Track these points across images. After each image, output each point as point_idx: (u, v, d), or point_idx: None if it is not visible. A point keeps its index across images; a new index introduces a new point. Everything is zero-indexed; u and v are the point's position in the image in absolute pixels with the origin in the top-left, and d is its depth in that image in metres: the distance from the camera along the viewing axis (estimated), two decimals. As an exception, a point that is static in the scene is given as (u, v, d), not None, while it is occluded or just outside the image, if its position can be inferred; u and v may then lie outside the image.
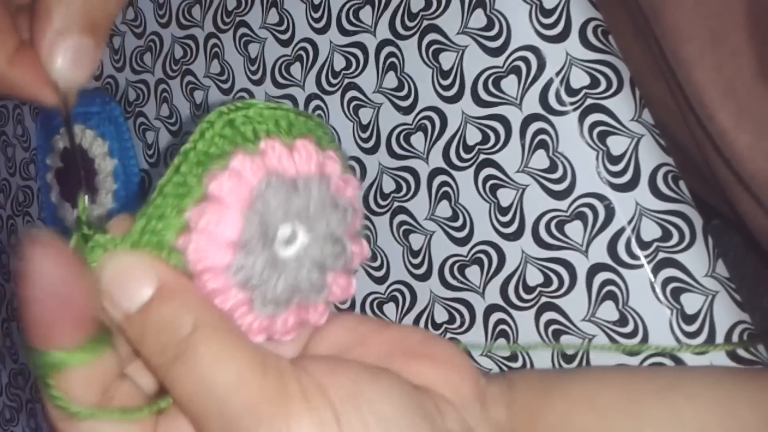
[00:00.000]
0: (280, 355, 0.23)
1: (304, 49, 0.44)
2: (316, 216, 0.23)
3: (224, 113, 0.23)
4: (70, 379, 0.22)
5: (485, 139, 0.37)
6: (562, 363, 0.36)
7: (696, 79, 0.30)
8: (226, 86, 0.48)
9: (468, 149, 0.38)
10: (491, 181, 0.37)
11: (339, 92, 0.43)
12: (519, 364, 0.37)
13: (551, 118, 0.35)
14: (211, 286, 0.22)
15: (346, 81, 0.42)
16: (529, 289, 0.37)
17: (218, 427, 0.21)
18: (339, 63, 0.43)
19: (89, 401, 0.22)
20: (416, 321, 0.41)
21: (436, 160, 0.39)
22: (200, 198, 0.22)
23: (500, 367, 0.38)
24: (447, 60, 0.38)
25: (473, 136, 0.38)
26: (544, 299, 0.36)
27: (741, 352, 0.32)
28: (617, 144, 0.34)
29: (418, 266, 0.41)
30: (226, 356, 0.21)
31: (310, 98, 0.44)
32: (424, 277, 0.40)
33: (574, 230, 0.35)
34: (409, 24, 0.39)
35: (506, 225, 0.37)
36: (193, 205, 0.22)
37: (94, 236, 0.22)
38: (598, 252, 0.34)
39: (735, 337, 0.32)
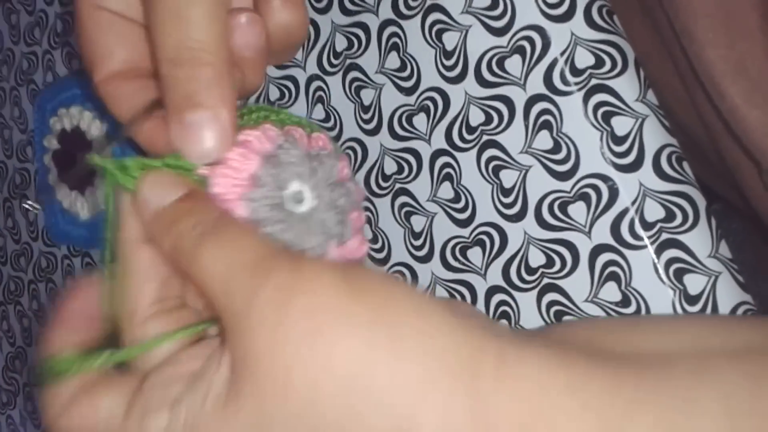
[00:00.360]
0: None
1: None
2: (323, 184, 0.27)
3: (261, 108, 0.27)
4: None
5: (488, 119, 0.37)
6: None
7: (707, 56, 0.30)
8: (226, 67, 0.48)
9: (471, 130, 0.38)
10: (494, 162, 0.37)
11: (341, 73, 0.43)
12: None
13: (555, 98, 0.35)
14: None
15: (348, 61, 0.42)
16: (531, 271, 0.37)
17: (241, 300, 0.21)
18: (341, 43, 0.42)
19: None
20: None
21: (439, 141, 0.39)
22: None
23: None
24: (450, 40, 0.38)
25: (476, 116, 0.38)
26: (546, 280, 0.36)
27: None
28: (621, 124, 0.34)
29: (419, 248, 0.40)
30: (249, 238, 0.23)
31: (311, 79, 0.44)
32: (426, 259, 0.40)
33: (578, 211, 0.35)
34: (412, 3, 0.39)
35: (509, 206, 0.37)
36: None
37: (131, 162, 0.25)
38: (602, 233, 0.34)
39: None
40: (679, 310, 0.33)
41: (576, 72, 0.35)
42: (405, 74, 0.40)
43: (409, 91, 0.40)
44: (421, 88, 0.39)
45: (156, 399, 0.23)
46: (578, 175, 0.35)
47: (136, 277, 0.25)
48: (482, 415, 0.20)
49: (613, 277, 0.34)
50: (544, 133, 0.36)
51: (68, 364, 0.24)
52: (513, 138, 0.37)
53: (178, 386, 0.23)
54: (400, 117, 0.40)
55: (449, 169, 0.39)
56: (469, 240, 0.38)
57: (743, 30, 0.29)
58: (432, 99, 0.39)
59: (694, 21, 0.30)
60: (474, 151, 0.38)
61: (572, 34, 0.35)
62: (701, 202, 0.33)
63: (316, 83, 0.44)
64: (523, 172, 0.36)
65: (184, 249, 0.23)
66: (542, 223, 0.36)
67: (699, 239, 0.33)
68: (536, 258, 0.36)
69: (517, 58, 0.36)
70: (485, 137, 0.37)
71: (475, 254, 0.38)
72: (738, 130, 0.30)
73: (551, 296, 0.36)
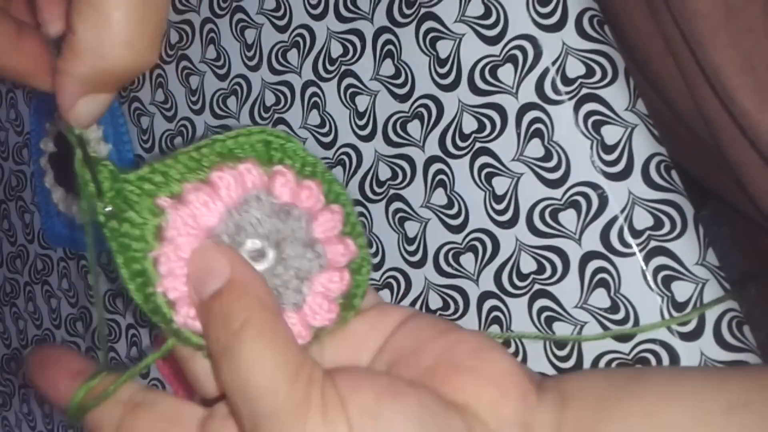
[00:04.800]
0: (316, 363, 0.24)
1: (301, 35, 0.44)
2: (289, 243, 0.25)
3: (266, 132, 0.26)
4: None
5: (481, 127, 0.38)
6: (555, 350, 0.36)
7: (713, 58, 0.29)
8: (222, 72, 0.48)
9: (464, 137, 0.38)
10: (486, 170, 0.38)
11: (336, 79, 0.43)
12: (512, 350, 0.38)
13: (547, 107, 0.36)
14: (174, 256, 0.24)
15: (343, 68, 0.43)
16: (522, 277, 0.37)
17: (249, 421, 0.23)
18: (336, 50, 0.43)
19: None
20: (411, 307, 0.41)
21: (432, 147, 0.40)
22: (201, 180, 0.24)
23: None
24: (444, 48, 0.38)
25: (469, 124, 0.38)
26: (537, 286, 0.37)
27: (729, 337, 0.32)
28: (611, 133, 0.35)
29: (413, 253, 0.41)
30: (265, 358, 0.23)
31: (306, 85, 0.44)
32: (419, 264, 0.41)
33: (568, 218, 0.36)
34: (407, 11, 0.40)
35: (501, 213, 0.38)
36: (193, 181, 0.24)
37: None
38: (591, 240, 0.35)
39: (724, 324, 0.33)
40: (666, 316, 0.33)
41: (567, 81, 0.35)
42: (399, 81, 0.40)
43: (403, 98, 0.40)
44: (415, 95, 0.40)
45: None
46: (569, 182, 0.35)
47: None
48: None
49: (603, 283, 0.35)
50: (536, 141, 0.36)
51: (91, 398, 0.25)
52: (505, 146, 0.37)
53: None
54: (394, 123, 0.41)
55: (442, 176, 0.39)
56: (462, 246, 0.39)
57: (746, 26, 0.28)
58: (426, 106, 0.40)
59: (694, 22, 0.29)
60: (467, 158, 0.38)
61: (563, 43, 0.35)
62: (689, 211, 0.34)
63: (311, 89, 0.44)
64: (515, 179, 0.37)
65: (211, 355, 0.24)
66: (533, 230, 0.37)
67: (687, 247, 0.33)
68: (527, 264, 0.37)
69: (509, 66, 0.36)
70: (478, 144, 0.38)
71: (467, 260, 0.39)
72: (751, 134, 0.29)
73: (542, 302, 0.37)
